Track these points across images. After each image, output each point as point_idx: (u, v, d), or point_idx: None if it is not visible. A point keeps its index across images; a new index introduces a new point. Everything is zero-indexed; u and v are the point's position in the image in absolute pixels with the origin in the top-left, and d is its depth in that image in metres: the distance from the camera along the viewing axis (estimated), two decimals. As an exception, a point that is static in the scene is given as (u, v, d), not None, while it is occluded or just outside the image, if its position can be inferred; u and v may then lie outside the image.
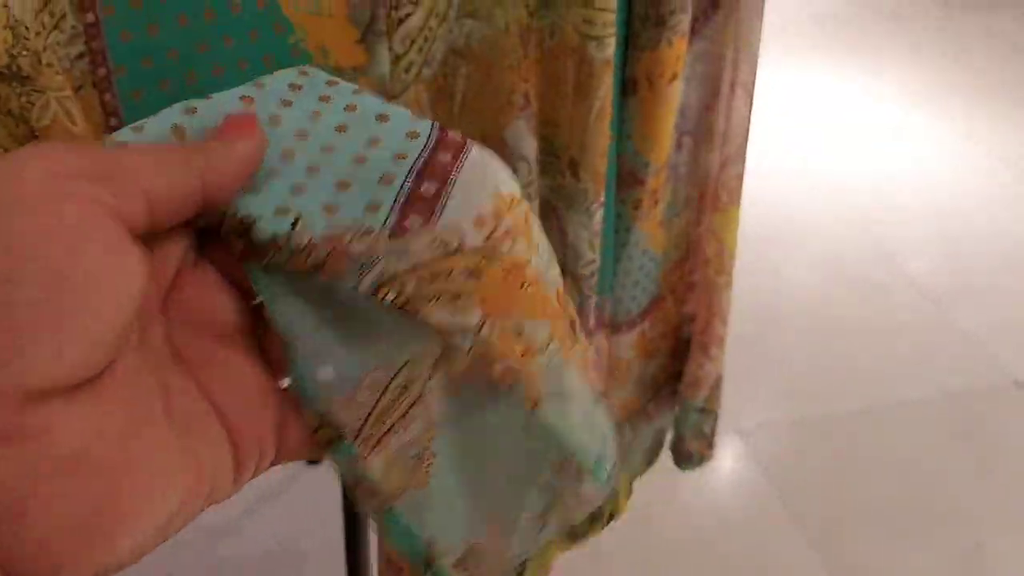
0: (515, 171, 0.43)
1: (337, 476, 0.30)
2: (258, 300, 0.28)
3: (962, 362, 1.58)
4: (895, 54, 2.79)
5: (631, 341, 0.66)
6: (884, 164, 2.19)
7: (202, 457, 0.26)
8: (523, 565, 0.37)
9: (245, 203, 0.28)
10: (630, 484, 0.42)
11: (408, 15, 0.39)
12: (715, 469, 1.35)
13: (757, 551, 1.23)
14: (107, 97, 0.37)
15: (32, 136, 0.34)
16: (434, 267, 0.28)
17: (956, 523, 1.28)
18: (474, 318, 0.29)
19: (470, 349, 0.29)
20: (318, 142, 0.30)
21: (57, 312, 0.21)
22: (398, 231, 0.28)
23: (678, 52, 0.52)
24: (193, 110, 0.29)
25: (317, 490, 1.24)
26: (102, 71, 0.36)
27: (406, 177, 0.29)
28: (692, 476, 1.31)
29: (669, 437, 0.78)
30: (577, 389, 0.33)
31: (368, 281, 0.27)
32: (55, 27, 0.34)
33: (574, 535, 0.39)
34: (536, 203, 0.47)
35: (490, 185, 0.30)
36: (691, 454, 0.76)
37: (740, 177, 0.65)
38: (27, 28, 0.33)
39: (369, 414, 0.29)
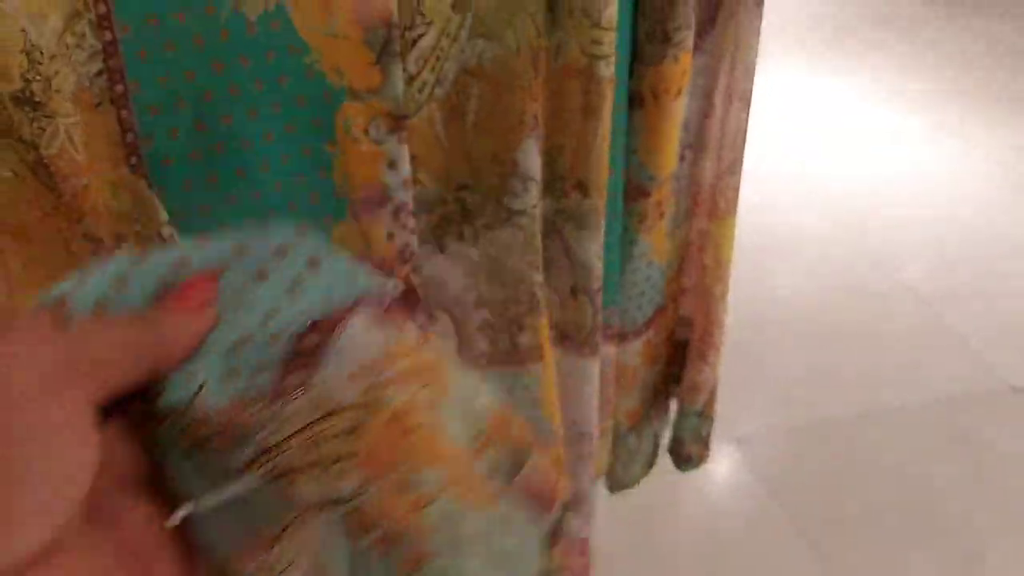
0: (525, 192, 0.44)
1: None
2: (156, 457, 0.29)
3: (959, 368, 1.59)
4: (892, 59, 2.80)
5: (637, 349, 0.67)
6: (881, 169, 2.20)
7: None
8: None
9: None
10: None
11: (421, 35, 0.40)
12: (712, 475, 1.36)
13: (755, 557, 1.24)
14: (124, 113, 0.38)
15: (41, 163, 0.35)
16: (311, 432, 0.28)
17: (954, 528, 1.29)
18: (353, 483, 0.28)
19: (352, 513, 0.28)
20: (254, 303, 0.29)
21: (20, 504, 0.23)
22: (278, 394, 0.27)
23: (684, 67, 0.53)
24: (139, 262, 0.29)
25: None
26: (119, 88, 0.37)
27: (293, 334, 0.28)
28: (690, 482, 1.32)
29: (664, 440, 0.79)
30: (480, 534, 0.32)
31: (248, 454, 0.27)
32: (77, 46, 0.34)
33: None
34: (539, 225, 0.47)
35: (382, 335, 0.29)
36: (690, 457, 0.77)
37: (737, 187, 0.65)
38: (42, 53, 0.33)
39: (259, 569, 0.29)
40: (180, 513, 0.29)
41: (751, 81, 0.61)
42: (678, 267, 0.68)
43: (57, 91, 0.34)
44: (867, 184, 2.13)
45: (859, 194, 2.09)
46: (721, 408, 0.76)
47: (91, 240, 0.37)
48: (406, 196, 0.42)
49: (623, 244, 0.60)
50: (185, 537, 0.29)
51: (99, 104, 0.37)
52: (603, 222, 0.49)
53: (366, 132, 0.40)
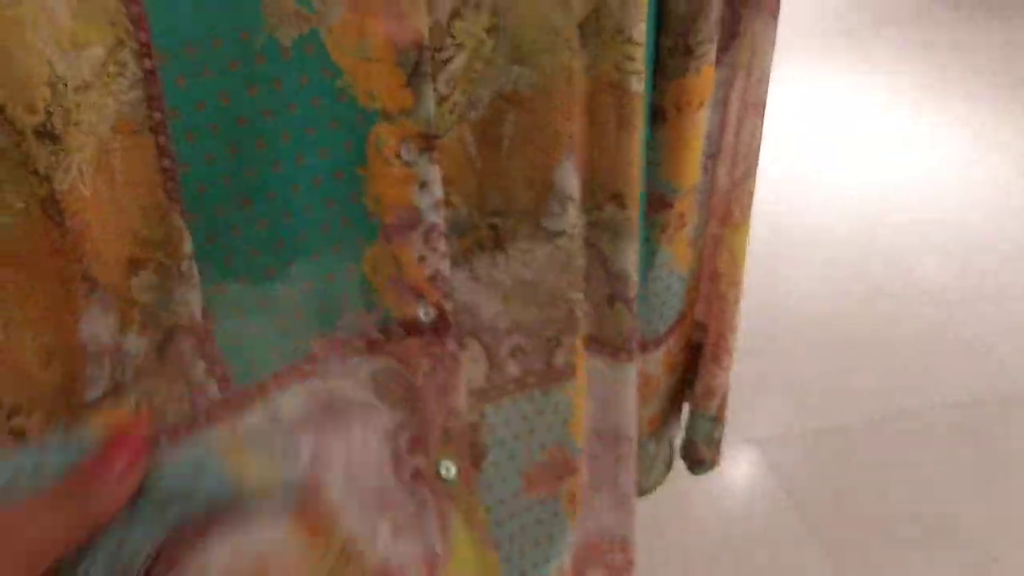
0: (563, 212, 0.45)
1: None
2: None
3: (974, 371, 1.59)
4: (904, 63, 2.80)
5: (659, 358, 0.67)
6: (893, 173, 2.20)
7: None
8: None
9: None
10: None
11: (451, 57, 0.40)
12: (728, 479, 1.36)
13: (770, 561, 1.24)
14: (162, 140, 0.38)
15: (52, 198, 0.35)
16: None
17: (970, 533, 1.28)
18: None
19: None
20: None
21: None
22: None
23: (706, 80, 0.53)
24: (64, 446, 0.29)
25: None
26: (158, 115, 0.37)
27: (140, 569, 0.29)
28: (705, 486, 1.32)
29: (678, 443, 0.79)
30: None
31: None
32: (119, 74, 0.35)
33: None
34: (579, 244, 0.48)
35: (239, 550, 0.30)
36: (703, 460, 0.78)
37: (752, 194, 0.66)
38: (65, 85, 0.33)
39: None
40: None
41: (766, 89, 0.62)
42: (698, 274, 0.69)
43: (75, 124, 0.34)
44: (879, 188, 2.13)
45: (871, 198, 2.09)
46: (737, 410, 0.76)
47: (89, 280, 0.37)
48: (437, 217, 0.42)
49: (645, 255, 0.60)
50: None
51: (137, 131, 0.37)
52: (637, 232, 0.49)
53: (398, 155, 0.40)
